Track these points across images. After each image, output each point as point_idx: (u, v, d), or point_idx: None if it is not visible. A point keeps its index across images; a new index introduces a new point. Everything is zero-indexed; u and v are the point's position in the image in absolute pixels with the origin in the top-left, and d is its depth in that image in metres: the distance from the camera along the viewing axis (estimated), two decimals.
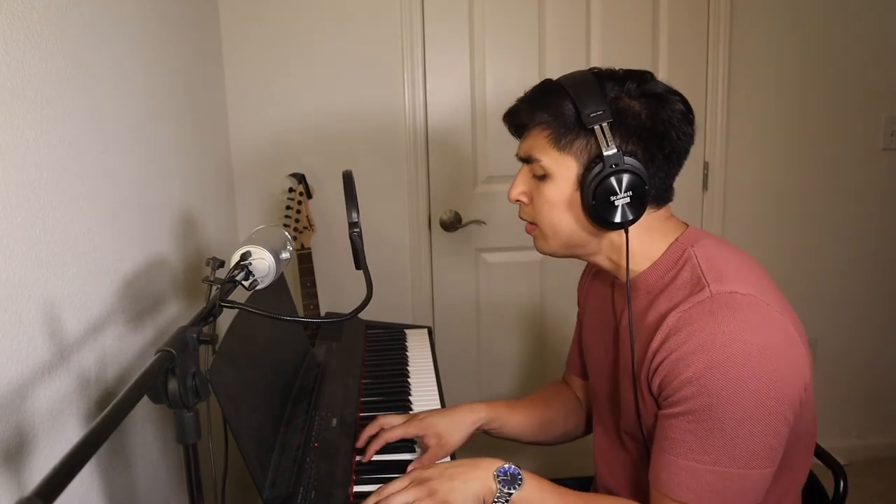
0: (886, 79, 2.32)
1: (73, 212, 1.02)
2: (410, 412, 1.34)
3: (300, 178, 1.94)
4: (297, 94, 2.11)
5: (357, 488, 1.10)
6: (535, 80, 2.52)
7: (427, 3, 2.11)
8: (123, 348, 1.17)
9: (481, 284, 2.31)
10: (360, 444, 1.19)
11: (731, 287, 0.90)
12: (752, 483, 0.89)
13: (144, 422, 1.26)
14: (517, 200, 1.06)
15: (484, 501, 0.97)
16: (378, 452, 1.17)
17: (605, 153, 0.92)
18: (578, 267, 2.29)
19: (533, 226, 1.06)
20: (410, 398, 1.40)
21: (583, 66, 1.05)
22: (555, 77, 1.03)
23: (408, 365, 1.56)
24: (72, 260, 1.00)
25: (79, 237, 1.03)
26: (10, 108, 0.86)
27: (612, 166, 0.92)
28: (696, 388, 0.87)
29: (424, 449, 1.19)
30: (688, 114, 0.97)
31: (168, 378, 0.71)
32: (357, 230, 1.00)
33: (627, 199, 0.93)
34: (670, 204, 1.02)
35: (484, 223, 2.24)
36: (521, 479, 0.98)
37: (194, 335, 0.74)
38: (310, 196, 1.96)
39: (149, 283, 1.30)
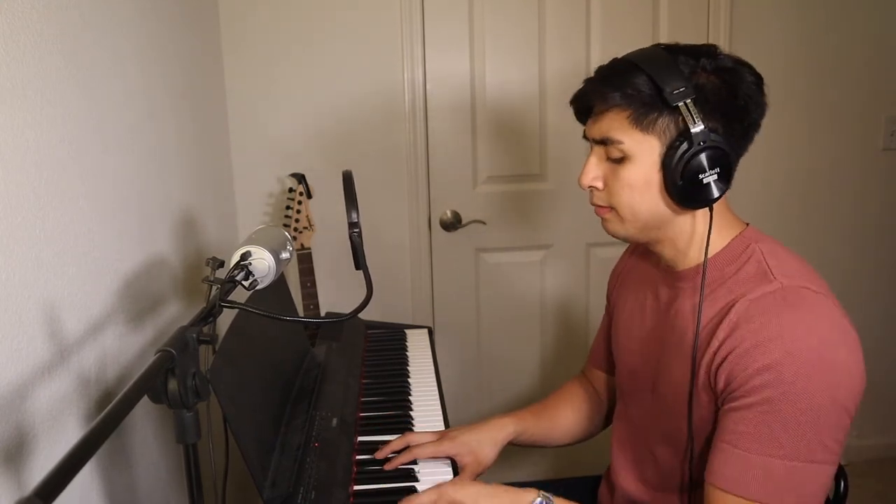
0: (886, 79, 2.33)
1: (73, 212, 1.02)
2: (409, 428, 1.34)
3: (300, 178, 1.94)
4: (297, 93, 2.11)
5: (357, 488, 1.10)
6: (534, 80, 2.51)
7: (427, 2, 2.11)
8: (123, 348, 1.17)
9: (481, 284, 2.31)
10: (382, 455, 1.16)
11: (801, 282, 0.90)
12: (823, 478, 0.87)
13: (144, 422, 1.26)
14: (591, 187, 1.01)
15: None
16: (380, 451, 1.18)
17: (693, 130, 0.89)
18: (579, 268, 2.31)
19: (605, 209, 1.01)
20: (410, 398, 1.40)
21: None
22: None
23: (408, 365, 1.56)
24: (72, 260, 1.00)
25: (79, 237, 1.03)
26: (10, 108, 0.86)
27: (700, 143, 0.89)
28: (772, 376, 0.85)
29: (461, 468, 1.16)
30: (760, 83, 0.95)
31: (168, 378, 0.71)
32: (357, 230, 1.00)
33: (715, 176, 0.91)
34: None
35: (484, 223, 2.23)
36: None
37: (194, 335, 0.74)
38: (310, 196, 1.96)
39: (149, 283, 1.30)
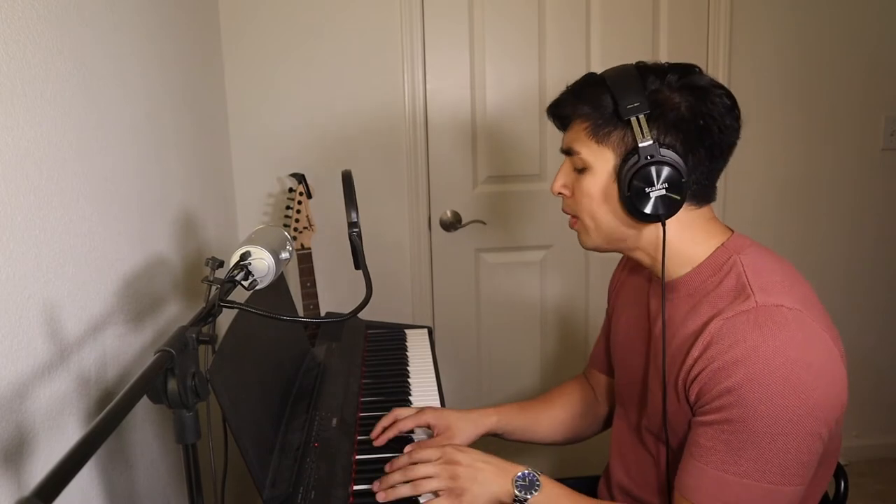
0: (886, 79, 2.33)
1: (74, 212, 1.02)
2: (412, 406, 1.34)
3: (300, 178, 1.94)
4: (297, 93, 2.11)
5: (357, 487, 1.10)
6: (534, 80, 2.51)
7: (427, 2, 2.11)
8: (123, 348, 1.17)
9: (481, 284, 2.31)
10: (374, 434, 1.20)
11: (777, 300, 0.89)
12: (781, 500, 0.87)
13: (144, 422, 1.26)
14: (559, 193, 1.07)
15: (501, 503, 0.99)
16: (382, 451, 1.18)
17: (640, 144, 0.91)
18: (579, 268, 2.31)
19: (575, 220, 1.06)
20: (410, 398, 1.40)
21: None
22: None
23: (408, 365, 1.56)
24: (72, 260, 1.00)
25: (79, 237, 1.03)
26: (10, 108, 0.86)
27: (647, 157, 0.91)
28: (733, 399, 0.86)
29: (432, 436, 1.21)
30: (732, 108, 0.95)
31: (167, 378, 0.71)
32: (356, 230, 1.00)
33: (662, 191, 0.92)
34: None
35: (484, 223, 2.24)
36: (538, 485, 0.99)
37: (194, 335, 0.74)
38: (310, 196, 1.96)
39: (149, 283, 1.30)
